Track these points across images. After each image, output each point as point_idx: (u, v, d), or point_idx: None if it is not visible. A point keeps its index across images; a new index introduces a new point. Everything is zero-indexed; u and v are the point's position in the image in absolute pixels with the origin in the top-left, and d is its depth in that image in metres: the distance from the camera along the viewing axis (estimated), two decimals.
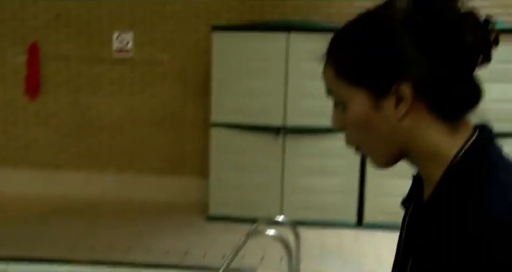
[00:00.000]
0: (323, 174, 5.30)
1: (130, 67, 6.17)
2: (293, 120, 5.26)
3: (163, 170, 6.25)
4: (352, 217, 5.32)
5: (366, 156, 0.95)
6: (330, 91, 0.94)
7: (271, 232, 3.05)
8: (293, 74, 5.24)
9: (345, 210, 5.33)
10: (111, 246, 4.59)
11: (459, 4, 0.87)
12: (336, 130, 0.96)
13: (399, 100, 0.87)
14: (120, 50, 6.16)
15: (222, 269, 3.03)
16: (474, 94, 0.89)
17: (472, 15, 0.87)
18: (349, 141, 0.95)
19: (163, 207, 5.89)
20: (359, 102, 0.89)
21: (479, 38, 0.86)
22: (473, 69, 0.89)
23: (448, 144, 0.88)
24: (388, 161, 0.94)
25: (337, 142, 5.20)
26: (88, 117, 6.27)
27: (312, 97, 5.08)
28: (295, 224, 3.35)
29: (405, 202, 1.00)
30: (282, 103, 5.29)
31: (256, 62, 5.29)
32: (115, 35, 6.14)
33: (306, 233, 4.76)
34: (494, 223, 0.79)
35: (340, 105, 0.92)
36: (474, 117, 0.91)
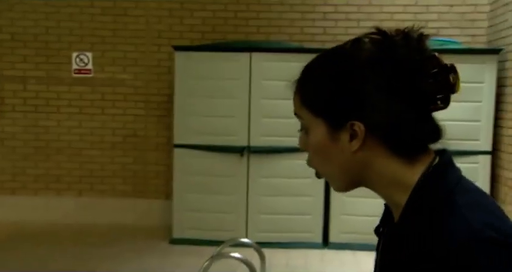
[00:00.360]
0: (288, 194, 5.26)
1: (90, 87, 6.05)
2: (257, 140, 5.23)
3: (125, 192, 6.11)
4: (318, 237, 5.29)
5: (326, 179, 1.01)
6: (296, 115, 0.99)
7: (236, 254, 2.98)
8: (256, 94, 5.22)
9: (310, 230, 5.29)
10: None
11: (422, 48, 0.92)
12: (301, 150, 1.01)
13: (353, 136, 0.92)
14: (80, 70, 6.04)
15: None
16: (432, 134, 0.94)
17: (434, 60, 0.92)
18: (310, 164, 1.00)
19: (125, 231, 5.74)
20: (318, 131, 0.95)
21: (439, 83, 0.91)
22: (431, 111, 0.94)
23: (407, 173, 0.92)
24: (345, 187, 0.99)
25: (302, 162, 5.18)
26: (46, 138, 6.09)
27: (276, 116, 5.06)
28: (260, 246, 3.29)
29: (378, 229, 1.03)
30: (246, 123, 5.25)
31: (219, 82, 5.26)
32: (74, 55, 6.02)
33: (272, 254, 4.70)
34: (455, 248, 0.82)
35: (304, 129, 0.98)
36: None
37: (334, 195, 5.18)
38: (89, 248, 5.13)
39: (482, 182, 5.14)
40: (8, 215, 5.91)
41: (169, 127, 5.86)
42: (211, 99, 5.28)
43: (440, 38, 5.47)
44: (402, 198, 0.92)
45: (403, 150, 0.92)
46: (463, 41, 5.60)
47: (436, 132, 0.95)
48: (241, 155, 5.24)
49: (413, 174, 0.92)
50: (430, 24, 5.76)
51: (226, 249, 3.25)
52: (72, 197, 6.10)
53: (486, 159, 5.14)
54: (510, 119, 5.02)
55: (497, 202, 4.01)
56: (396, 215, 0.96)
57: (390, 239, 0.96)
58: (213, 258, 2.96)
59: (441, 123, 0.96)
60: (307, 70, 0.98)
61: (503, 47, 5.16)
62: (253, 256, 3.20)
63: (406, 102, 0.90)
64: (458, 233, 0.83)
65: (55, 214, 6.00)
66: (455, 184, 0.91)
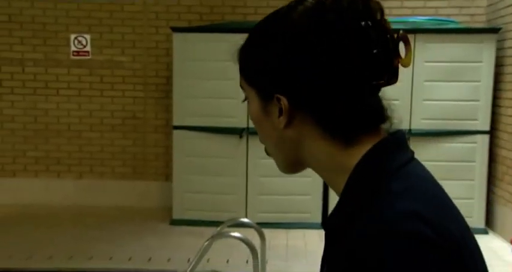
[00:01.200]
0: (287, 175, 5.27)
1: (88, 69, 6.03)
2: None
3: (124, 174, 6.13)
4: (317, 217, 5.33)
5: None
6: (240, 85, 0.92)
7: (236, 234, 3.01)
8: None
9: (309, 211, 5.33)
10: (71, 254, 4.46)
11: (359, 12, 0.79)
12: None
13: (281, 111, 0.83)
14: (78, 53, 6.01)
15: None
16: (373, 114, 0.82)
17: (377, 28, 0.78)
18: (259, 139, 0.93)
19: (125, 212, 5.77)
20: (253, 102, 0.88)
21: (383, 55, 0.78)
22: (375, 88, 0.81)
23: (343, 156, 0.81)
24: (284, 167, 0.91)
25: None
26: (45, 121, 6.09)
27: None
28: (260, 226, 3.32)
29: (327, 223, 0.88)
30: (244, 105, 5.23)
31: (218, 64, 5.24)
32: (72, 37, 5.99)
33: (271, 234, 4.75)
34: (364, 240, 0.72)
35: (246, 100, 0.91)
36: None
37: None
38: (88, 230, 5.16)
39: (481, 161, 5.17)
40: (9, 198, 5.94)
41: (168, 109, 5.87)
42: (210, 81, 5.27)
43: (439, 18, 5.45)
44: (341, 183, 0.82)
45: (337, 132, 0.81)
46: (461, 20, 5.57)
47: (378, 112, 0.82)
48: (240, 136, 5.25)
49: (351, 156, 0.81)
50: (429, 4, 5.74)
51: (226, 229, 3.28)
52: (72, 179, 6.13)
53: (484, 139, 5.15)
54: (508, 98, 5.03)
55: (496, 181, 4.00)
56: None
57: (325, 230, 0.86)
58: (214, 237, 2.98)
59: (387, 101, 0.83)
60: (245, 39, 0.90)
61: (501, 26, 5.15)
62: (253, 236, 3.23)
63: (339, 76, 0.78)
64: (376, 222, 0.72)
65: (55, 196, 6.03)
66: (395, 169, 0.79)
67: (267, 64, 0.84)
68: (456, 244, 0.74)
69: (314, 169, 0.87)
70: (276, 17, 0.86)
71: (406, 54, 0.80)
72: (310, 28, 0.80)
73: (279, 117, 0.83)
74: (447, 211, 0.79)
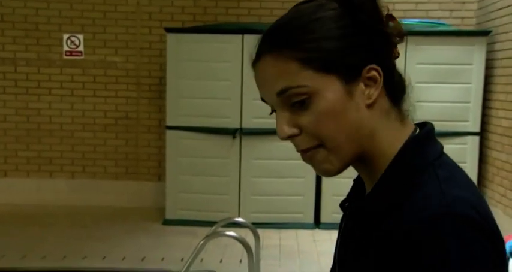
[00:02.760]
0: (280, 175, 5.32)
1: (81, 69, 6.03)
2: (249, 122, 5.26)
3: (117, 175, 6.13)
4: (310, 218, 5.37)
5: (320, 160, 0.87)
6: (284, 92, 0.83)
7: (231, 233, 3.03)
8: (248, 76, 5.22)
9: (302, 211, 5.37)
10: (64, 254, 4.45)
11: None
12: (283, 139, 0.89)
13: (368, 85, 0.84)
14: (71, 52, 6.01)
15: None
16: (404, 81, 0.92)
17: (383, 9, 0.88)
18: (304, 144, 0.86)
19: (118, 213, 5.77)
20: (331, 91, 0.82)
21: (396, 28, 0.88)
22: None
23: (398, 135, 0.86)
24: (343, 164, 0.87)
25: None
26: (38, 121, 6.08)
27: None
28: (253, 225, 3.34)
29: (343, 204, 0.93)
30: (238, 105, 5.28)
31: (211, 64, 5.27)
32: (65, 37, 5.99)
33: (264, 234, 4.77)
34: (424, 222, 0.75)
35: (294, 106, 0.84)
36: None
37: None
38: (82, 230, 5.16)
39: (471, 163, 5.23)
40: (0, 198, 5.92)
41: (161, 110, 5.88)
42: (203, 81, 5.29)
43: (430, 20, 5.51)
44: (381, 168, 0.85)
45: (397, 96, 0.88)
46: (452, 23, 5.63)
47: (404, 79, 0.91)
48: (234, 137, 5.27)
49: (402, 134, 0.86)
50: (420, 7, 5.79)
51: (221, 229, 3.30)
52: (64, 179, 6.12)
53: (475, 140, 5.22)
54: (499, 100, 5.10)
55: (486, 182, 4.08)
56: (369, 188, 0.88)
57: (358, 212, 0.88)
58: (209, 237, 3.00)
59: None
60: (296, 25, 0.84)
61: (492, 29, 5.21)
62: (247, 236, 3.25)
63: (387, 45, 0.87)
64: (432, 206, 0.76)
65: (47, 196, 6.02)
66: (437, 157, 0.84)
67: (351, 41, 0.83)
68: (497, 228, 0.80)
69: (364, 157, 0.87)
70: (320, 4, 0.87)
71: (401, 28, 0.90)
72: (360, 5, 0.85)
73: (367, 92, 0.84)
74: (483, 198, 0.83)
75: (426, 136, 0.87)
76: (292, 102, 0.84)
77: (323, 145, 0.85)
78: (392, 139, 0.86)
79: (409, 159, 0.84)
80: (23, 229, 5.13)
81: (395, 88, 0.87)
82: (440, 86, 5.15)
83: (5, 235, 4.94)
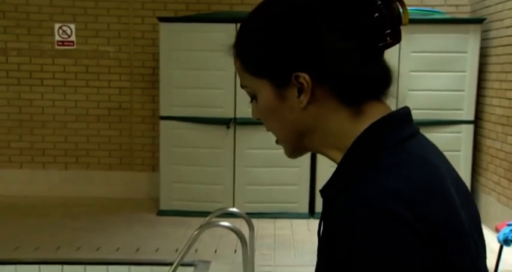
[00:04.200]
0: (275, 165, 5.30)
1: (73, 59, 5.98)
2: (243, 112, 5.23)
3: (111, 165, 6.11)
4: (304, 207, 5.36)
5: (280, 145, 0.95)
6: (242, 86, 0.92)
7: (225, 223, 3.02)
8: None
9: (296, 200, 5.36)
10: (58, 245, 4.44)
11: None
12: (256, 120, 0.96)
13: (300, 90, 0.85)
14: (63, 42, 5.95)
15: (175, 264, 2.98)
16: (380, 77, 0.86)
17: None
18: (268, 130, 0.94)
19: (112, 203, 5.76)
20: (265, 93, 0.88)
21: (385, 16, 0.84)
22: (381, 50, 0.86)
23: (351, 129, 0.85)
24: (293, 151, 0.93)
25: None
26: (30, 112, 6.03)
27: None
28: (248, 215, 3.33)
29: (322, 191, 0.92)
30: (232, 95, 5.25)
31: (204, 54, 5.23)
32: (56, 27, 5.93)
33: (258, 224, 4.77)
34: (345, 210, 0.76)
35: (253, 98, 0.91)
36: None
37: (320, 166, 5.24)
38: (76, 221, 5.15)
39: (465, 151, 5.24)
40: None
41: (154, 100, 5.84)
42: (196, 71, 5.26)
43: (424, 8, 5.48)
44: (338, 157, 0.87)
45: (351, 97, 0.85)
46: (446, 10, 5.61)
47: (386, 73, 0.87)
48: (228, 127, 5.25)
49: (355, 129, 0.85)
50: None
51: (215, 219, 3.29)
52: (57, 170, 6.09)
53: (469, 128, 5.22)
54: (493, 89, 5.09)
55: (480, 171, 4.07)
56: None
57: (322, 197, 0.91)
58: (203, 227, 2.99)
59: (390, 67, 0.88)
60: (242, 31, 0.90)
61: (486, 17, 5.19)
62: (241, 226, 3.24)
63: (352, 40, 0.82)
64: (354, 196, 0.77)
65: (40, 187, 5.99)
66: (391, 145, 0.82)
67: (282, 47, 0.84)
68: (436, 227, 0.75)
69: (319, 147, 0.90)
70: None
71: (403, 15, 0.86)
72: None
73: (299, 97, 0.85)
74: (435, 193, 0.78)
75: (386, 121, 0.84)
76: (249, 95, 0.92)
77: (274, 134, 0.93)
78: (343, 133, 0.86)
79: (361, 145, 0.83)
80: (16, 221, 5.11)
81: (350, 89, 0.84)
82: (435, 74, 5.13)
83: None
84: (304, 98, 0.85)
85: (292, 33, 0.84)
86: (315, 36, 0.83)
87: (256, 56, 0.87)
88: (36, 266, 4.00)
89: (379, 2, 0.84)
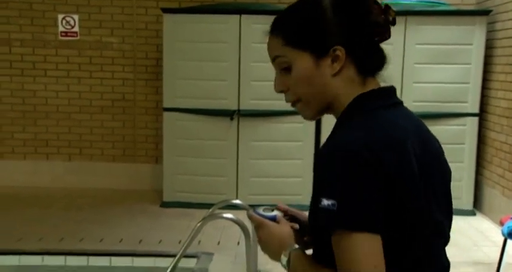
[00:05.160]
0: (278, 157, 5.29)
1: (77, 50, 5.96)
2: (247, 104, 5.22)
3: (114, 157, 6.11)
4: (308, 199, 5.34)
5: (299, 110, 1.22)
6: (275, 59, 1.20)
7: (229, 215, 3.02)
8: (246, 57, 5.18)
9: (300, 192, 5.35)
10: (62, 236, 4.45)
11: None
12: (277, 92, 1.23)
13: (334, 60, 1.14)
14: (66, 33, 5.93)
15: (178, 255, 2.98)
16: (382, 58, 1.20)
17: (377, 3, 1.17)
18: (289, 99, 1.22)
19: (115, 195, 5.76)
20: (303, 63, 1.16)
21: (386, 18, 1.17)
22: (379, 42, 1.19)
23: (354, 96, 1.16)
24: (315, 113, 1.21)
25: (292, 125, 5.20)
26: (33, 102, 6.03)
27: (266, 80, 5.03)
28: (251, 207, 3.33)
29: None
30: (236, 87, 5.23)
31: (208, 45, 5.20)
32: (60, 17, 5.91)
33: None
34: (324, 153, 1.09)
35: (283, 70, 1.19)
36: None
37: None
38: (79, 212, 5.16)
39: (470, 144, 5.21)
40: None
41: (158, 91, 5.83)
42: (200, 62, 5.23)
43: (430, 0, 5.43)
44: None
45: (366, 67, 1.17)
46: (452, 2, 5.56)
47: (384, 57, 1.20)
48: (231, 119, 5.23)
49: (355, 96, 1.17)
50: None
51: (218, 211, 3.29)
52: (61, 161, 6.09)
53: (474, 121, 5.19)
54: (498, 81, 5.05)
55: (484, 164, 4.04)
56: None
57: None
58: (206, 219, 2.99)
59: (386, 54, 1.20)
60: (286, 15, 1.20)
61: (492, 9, 5.14)
62: (244, 218, 3.24)
63: (366, 33, 1.16)
64: (329, 143, 1.10)
65: (44, 178, 6.00)
66: (368, 110, 1.13)
67: (323, 28, 1.15)
68: (389, 169, 1.04)
69: (337, 109, 1.19)
70: None
71: (394, 17, 1.19)
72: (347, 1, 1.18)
73: (332, 64, 1.15)
74: (393, 145, 1.07)
75: (370, 93, 1.16)
76: (281, 67, 1.20)
77: (300, 99, 1.20)
78: (351, 96, 1.16)
79: (349, 110, 1.16)
80: (20, 212, 5.12)
81: (366, 63, 1.17)
82: (440, 67, 5.10)
83: (2, 217, 4.93)
84: (337, 66, 1.14)
85: (330, 20, 1.15)
86: (349, 22, 1.15)
87: (302, 33, 1.16)
88: (39, 257, 4.01)
89: (381, 10, 1.17)
